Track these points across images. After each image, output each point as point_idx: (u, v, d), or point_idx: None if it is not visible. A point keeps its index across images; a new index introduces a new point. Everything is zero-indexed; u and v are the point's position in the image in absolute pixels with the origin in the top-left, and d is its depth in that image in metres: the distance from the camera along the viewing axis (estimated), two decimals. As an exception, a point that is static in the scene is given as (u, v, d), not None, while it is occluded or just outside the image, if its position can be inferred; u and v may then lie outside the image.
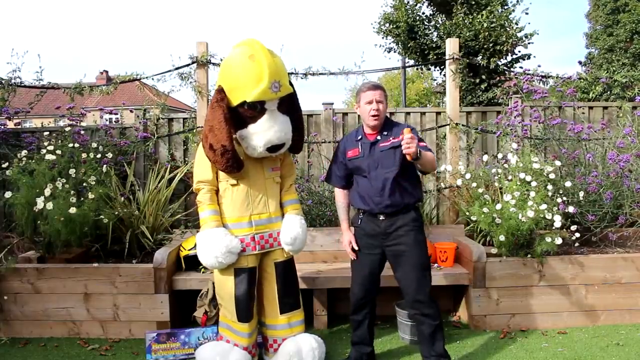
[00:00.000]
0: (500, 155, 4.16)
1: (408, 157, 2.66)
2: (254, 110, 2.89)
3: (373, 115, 2.88)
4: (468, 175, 4.14)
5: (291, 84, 3.09)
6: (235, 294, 3.00)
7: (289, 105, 3.06)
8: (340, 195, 3.18)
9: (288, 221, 3.13)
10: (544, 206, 3.54)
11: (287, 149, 3.08)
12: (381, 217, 2.91)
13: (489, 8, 6.08)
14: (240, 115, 2.92)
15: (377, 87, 2.93)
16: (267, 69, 2.80)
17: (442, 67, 6.60)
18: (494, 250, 3.85)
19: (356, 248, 3.04)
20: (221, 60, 4.44)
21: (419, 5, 6.67)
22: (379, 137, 2.93)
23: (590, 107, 5.00)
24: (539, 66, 4.79)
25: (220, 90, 2.93)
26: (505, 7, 6.26)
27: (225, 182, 3.03)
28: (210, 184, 3.03)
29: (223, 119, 2.87)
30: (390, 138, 2.89)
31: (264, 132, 2.90)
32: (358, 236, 3.05)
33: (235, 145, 2.97)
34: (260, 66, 2.81)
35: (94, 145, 4.14)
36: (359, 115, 4.91)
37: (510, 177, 3.80)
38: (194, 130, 4.59)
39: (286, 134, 2.99)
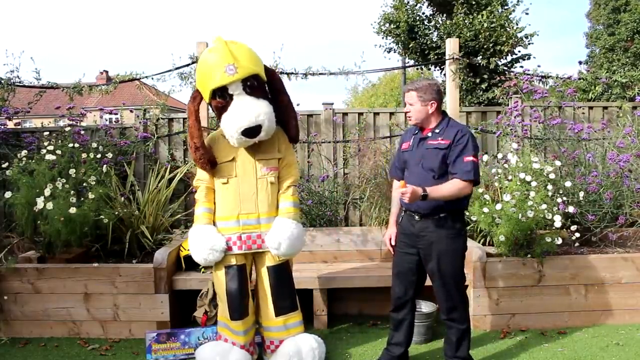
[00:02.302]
0: (500, 155, 4.16)
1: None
2: (223, 99, 2.95)
3: (408, 117, 2.95)
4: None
5: (268, 69, 3.12)
6: (226, 291, 3.02)
7: (267, 88, 3.10)
8: (395, 189, 3.17)
9: (276, 225, 3.05)
10: (544, 206, 3.54)
11: (268, 131, 2.98)
12: (416, 217, 2.88)
13: (489, 8, 6.07)
14: (216, 109, 3.02)
15: (408, 89, 2.92)
16: (219, 56, 2.89)
17: (442, 67, 6.59)
18: (493, 250, 3.85)
19: (393, 243, 3.05)
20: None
21: (419, 5, 6.65)
22: (429, 134, 2.89)
23: (590, 107, 5.00)
24: (539, 66, 4.80)
25: (195, 90, 3.08)
26: (506, 7, 6.25)
27: (218, 180, 3.07)
28: (207, 182, 3.09)
29: (194, 118, 3.01)
30: (439, 138, 2.84)
31: (233, 118, 2.92)
32: (398, 233, 3.04)
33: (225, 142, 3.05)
34: (216, 54, 2.91)
35: (94, 145, 4.14)
36: (359, 115, 4.97)
37: (510, 177, 3.80)
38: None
39: (258, 115, 2.89)
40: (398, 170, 3.10)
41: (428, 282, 3.04)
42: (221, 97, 2.95)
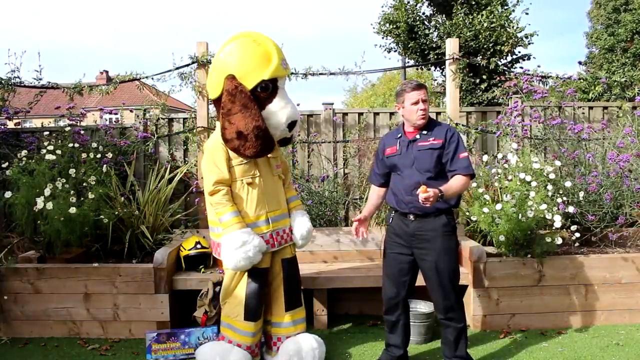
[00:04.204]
0: (500, 155, 4.16)
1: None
2: (266, 91, 2.97)
3: (422, 116, 2.88)
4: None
5: None
6: (246, 292, 3.00)
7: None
8: (372, 193, 3.18)
9: (298, 217, 3.21)
10: (544, 206, 3.54)
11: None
12: (411, 218, 2.89)
13: (489, 8, 6.06)
14: (256, 100, 2.96)
15: (421, 86, 2.92)
16: (274, 48, 2.98)
17: (442, 67, 6.59)
18: (493, 250, 3.85)
19: (362, 233, 3.06)
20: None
21: (419, 5, 6.65)
22: (417, 136, 2.92)
23: (590, 107, 5.00)
24: (539, 66, 4.79)
25: (234, 78, 2.93)
26: (506, 7, 6.24)
27: (240, 181, 3.01)
28: (227, 184, 3.00)
29: (249, 101, 2.91)
30: (430, 139, 2.87)
31: (283, 109, 3.00)
32: (388, 235, 3.05)
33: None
34: (267, 47, 2.97)
35: (94, 145, 4.14)
36: (359, 115, 4.97)
37: (510, 177, 3.80)
38: (194, 130, 4.58)
39: (297, 110, 3.11)
40: (378, 176, 3.12)
41: (421, 283, 3.04)
42: (264, 90, 2.97)
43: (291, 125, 3.03)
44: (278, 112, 2.98)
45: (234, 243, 2.87)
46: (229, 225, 2.92)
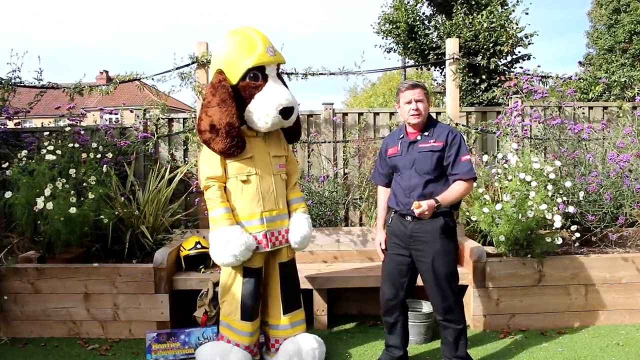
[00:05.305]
0: (500, 155, 4.16)
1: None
2: (256, 80, 2.96)
3: (413, 115, 2.88)
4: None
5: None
6: (242, 292, 3.00)
7: (282, 81, 3.16)
8: (381, 193, 3.18)
9: (297, 220, 3.15)
10: (544, 206, 3.54)
11: (295, 116, 3.09)
12: (408, 219, 2.88)
13: (489, 8, 6.07)
14: (245, 90, 2.96)
15: (415, 85, 2.91)
16: (258, 37, 2.96)
17: (442, 67, 6.60)
18: (493, 250, 3.85)
19: (383, 247, 3.05)
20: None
21: (419, 5, 6.66)
22: (419, 137, 2.91)
23: (590, 107, 5.00)
24: (539, 66, 4.79)
25: (220, 72, 2.99)
26: (505, 7, 6.25)
27: (234, 178, 3.00)
28: (220, 181, 3.00)
29: (228, 97, 2.91)
30: (431, 141, 2.87)
31: (272, 96, 2.94)
32: (388, 235, 3.04)
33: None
34: (251, 37, 2.96)
35: (94, 145, 4.14)
36: (359, 115, 4.97)
37: (510, 177, 3.80)
38: (194, 130, 4.58)
39: (293, 97, 3.04)
40: (382, 176, 3.12)
41: (422, 282, 3.04)
42: (254, 79, 2.95)
43: (283, 112, 2.94)
44: (267, 99, 2.92)
45: (220, 239, 2.89)
46: (217, 221, 2.94)
